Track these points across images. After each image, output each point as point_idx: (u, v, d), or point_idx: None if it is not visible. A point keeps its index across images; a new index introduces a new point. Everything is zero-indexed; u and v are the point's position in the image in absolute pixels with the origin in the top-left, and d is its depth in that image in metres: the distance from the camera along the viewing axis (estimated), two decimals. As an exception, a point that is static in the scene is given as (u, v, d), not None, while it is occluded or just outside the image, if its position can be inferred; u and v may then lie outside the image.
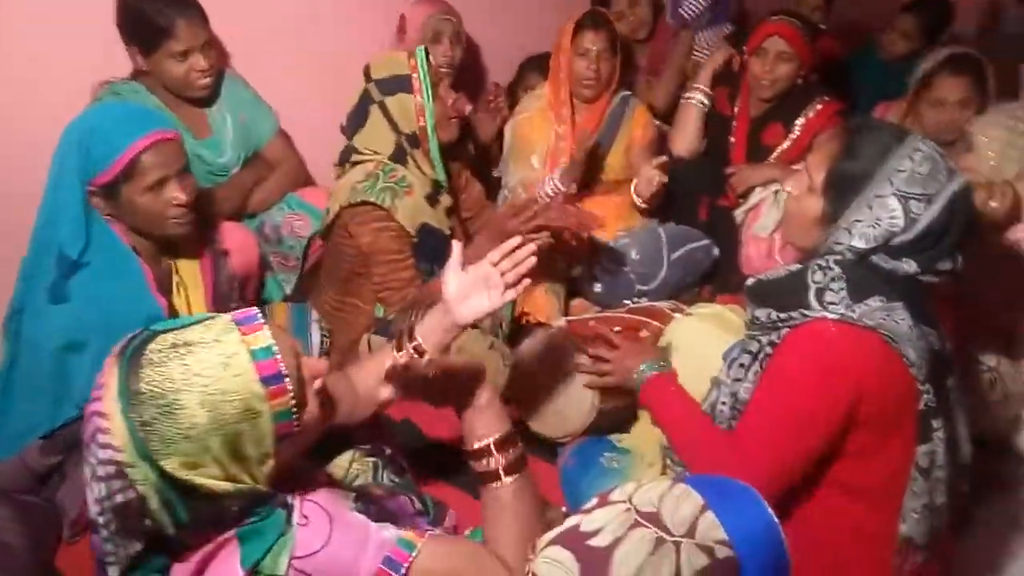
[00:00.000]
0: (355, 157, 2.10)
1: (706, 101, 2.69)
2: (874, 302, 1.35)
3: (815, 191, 1.41)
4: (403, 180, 2.05)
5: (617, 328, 1.93)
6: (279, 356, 1.03)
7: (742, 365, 1.50)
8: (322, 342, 2.12)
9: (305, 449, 1.16)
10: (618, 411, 1.89)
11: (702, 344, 1.68)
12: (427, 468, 1.77)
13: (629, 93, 2.67)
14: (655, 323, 1.97)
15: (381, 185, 2.03)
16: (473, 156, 2.52)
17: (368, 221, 2.02)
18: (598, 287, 2.43)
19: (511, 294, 1.46)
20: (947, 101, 2.33)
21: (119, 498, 1.01)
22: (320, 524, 1.08)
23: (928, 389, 1.37)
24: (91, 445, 1.02)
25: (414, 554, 1.10)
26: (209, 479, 1.01)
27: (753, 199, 2.56)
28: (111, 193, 1.61)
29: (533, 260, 1.48)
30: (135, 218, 1.65)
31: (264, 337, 1.03)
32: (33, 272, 1.65)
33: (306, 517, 1.08)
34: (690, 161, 2.70)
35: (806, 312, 1.38)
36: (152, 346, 1.01)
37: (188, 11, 2.05)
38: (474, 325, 1.94)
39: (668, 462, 1.68)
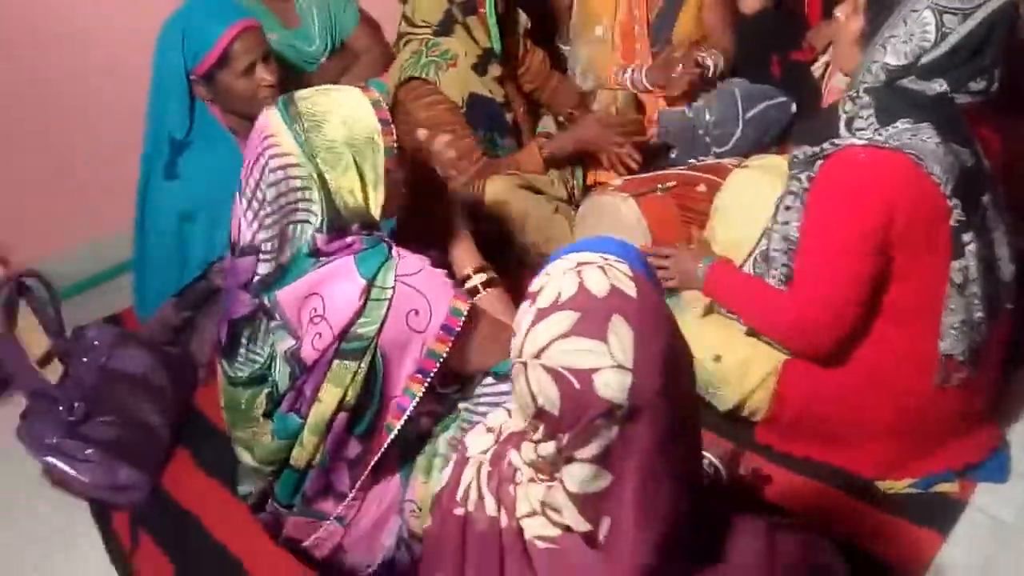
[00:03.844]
0: (403, 29, 2.31)
1: None
2: (902, 124, 1.42)
3: (859, 11, 1.50)
4: (446, 53, 2.22)
5: (671, 183, 2.06)
6: (385, 108, 1.43)
7: (788, 207, 1.59)
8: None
9: (393, 212, 1.54)
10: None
11: (754, 193, 1.77)
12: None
13: None
14: (712, 177, 2.05)
15: (425, 60, 2.21)
16: (530, 27, 2.50)
17: (420, 96, 2.22)
18: (673, 153, 2.46)
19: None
20: None
21: (283, 200, 1.39)
22: (415, 259, 1.44)
23: (957, 204, 1.41)
24: (259, 171, 1.40)
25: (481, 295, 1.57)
26: (344, 187, 1.39)
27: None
28: (210, 80, 1.98)
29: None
30: (232, 101, 2.01)
31: (374, 94, 1.44)
32: (151, 154, 2.06)
33: (403, 256, 1.43)
34: (757, 16, 2.64)
35: (836, 142, 1.47)
36: (298, 94, 1.44)
37: None
38: (538, 191, 2.23)
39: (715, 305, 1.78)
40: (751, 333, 1.69)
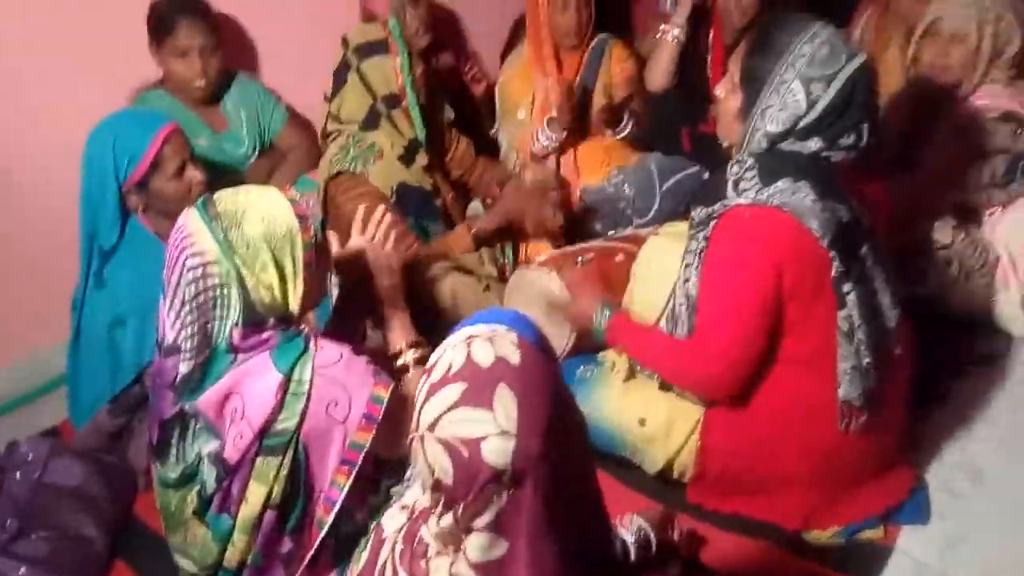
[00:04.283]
0: (330, 127, 2.43)
1: (682, 37, 2.81)
2: (782, 184, 1.54)
3: (736, 88, 1.63)
4: (373, 147, 2.35)
5: (591, 255, 2.16)
6: (303, 204, 1.50)
7: (688, 264, 1.68)
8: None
9: (310, 306, 1.58)
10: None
11: (666, 259, 1.85)
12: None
13: (607, 35, 2.82)
14: (629, 247, 2.16)
15: (352, 154, 2.34)
16: (452, 116, 2.67)
17: (348, 189, 2.32)
18: (598, 226, 2.61)
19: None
20: None
21: (202, 297, 1.42)
22: (334, 349, 1.48)
23: (836, 256, 1.51)
24: (178, 270, 1.44)
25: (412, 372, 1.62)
26: (261, 283, 1.43)
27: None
28: (142, 187, 2.02)
29: (389, 217, 1.80)
30: (165, 203, 2.03)
31: (293, 192, 1.52)
32: (83, 265, 2.08)
33: (321, 346, 1.47)
34: (665, 94, 2.88)
35: (726, 202, 1.59)
36: (217, 194, 1.49)
37: (191, 14, 2.42)
38: (469, 272, 2.30)
39: (638, 368, 1.84)
40: (664, 387, 1.77)
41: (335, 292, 2.02)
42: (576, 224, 2.60)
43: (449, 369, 0.98)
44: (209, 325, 1.44)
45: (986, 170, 2.12)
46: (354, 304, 1.83)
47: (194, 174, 2.05)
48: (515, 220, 2.40)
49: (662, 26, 2.90)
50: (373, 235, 1.78)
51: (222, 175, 2.42)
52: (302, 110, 2.83)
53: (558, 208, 2.38)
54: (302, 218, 1.48)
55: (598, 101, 2.76)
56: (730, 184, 1.61)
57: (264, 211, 1.45)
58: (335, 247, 1.79)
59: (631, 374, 1.86)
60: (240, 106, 2.64)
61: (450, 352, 1.01)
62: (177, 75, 2.47)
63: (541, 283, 2.12)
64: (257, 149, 2.67)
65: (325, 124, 2.45)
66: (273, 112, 2.71)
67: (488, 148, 2.88)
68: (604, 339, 1.84)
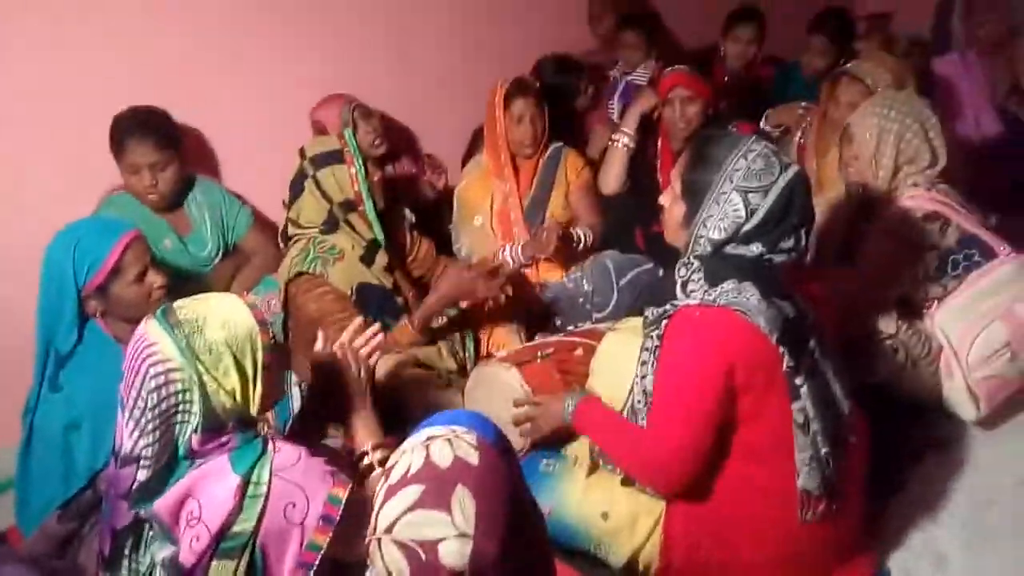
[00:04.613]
0: (290, 231, 2.48)
1: (631, 144, 3.00)
2: (727, 285, 1.60)
3: (678, 198, 1.72)
4: (333, 249, 2.41)
5: (550, 350, 2.19)
6: (261, 308, 1.54)
7: (644, 362, 1.73)
8: (302, 400, 2.23)
9: (269, 406, 1.60)
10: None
11: (623, 354, 1.88)
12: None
13: (561, 144, 2.96)
14: (588, 341, 2.20)
15: (312, 256, 2.40)
16: (413, 219, 2.77)
17: (309, 289, 2.37)
18: (558, 321, 2.67)
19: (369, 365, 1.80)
20: (840, 102, 2.78)
21: (164, 404, 1.42)
22: (291, 451, 1.49)
23: (785, 351, 1.58)
24: (140, 378, 1.43)
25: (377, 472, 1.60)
26: (223, 388, 1.45)
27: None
28: (103, 293, 2.03)
29: (381, 336, 1.84)
30: (125, 308, 2.05)
31: (251, 297, 1.55)
32: (38, 368, 2.06)
33: (279, 448, 1.48)
34: (620, 197, 3.05)
35: (675, 303, 1.65)
36: (176, 304, 1.51)
37: (140, 133, 2.49)
38: (429, 367, 2.33)
39: (601, 462, 1.86)
40: (626, 482, 1.78)
41: (296, 392, 2.05)
42: (536, 320, 2.68)
43: (408, 471, 1.00)
44: (170, 432, 1.44)
45: (919, 266, 2.24)
46: (322, 406, 1.84)
47: (155, 279, 2.07)
48: (457, 300, 2.40)
49: (612, 135, 3.09)
50: (350, 340, 1.80)
51: (187, 277, 2.47)
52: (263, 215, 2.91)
53: (504, 284, 2.38)
54: (262, 323, 1.51)
55: (556, 205, 2.88)
56: (679, 285, 1.68)
57: (225, 316, 1.48)
58: (319, 344, 1.81)
59: (594, 468, 1.87)
60: (204, 207, 2.70)
61: (409, 454, 1.03)
62: (132, 188, 2.56)
63: (501, 379, 2.15)
64: (221, 250, 2.72)
65: (285, 228, 2.52)
66: (238, 214, 2.78)
67: (451, 247, 2.95)
68: (574, 428, 1.86)
